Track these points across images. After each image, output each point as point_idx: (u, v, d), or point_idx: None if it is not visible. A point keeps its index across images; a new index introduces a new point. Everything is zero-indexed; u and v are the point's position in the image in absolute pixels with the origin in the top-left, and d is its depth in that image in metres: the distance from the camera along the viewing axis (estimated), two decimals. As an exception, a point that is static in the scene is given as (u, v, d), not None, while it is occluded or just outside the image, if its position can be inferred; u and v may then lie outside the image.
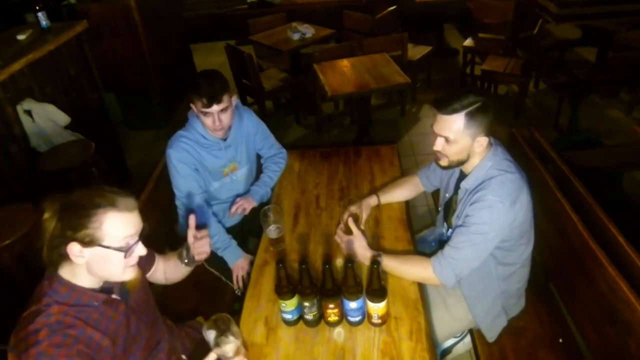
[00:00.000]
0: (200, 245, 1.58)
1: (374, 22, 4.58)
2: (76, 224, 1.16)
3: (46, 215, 1.17)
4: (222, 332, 1.38)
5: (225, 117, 1.95)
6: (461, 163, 1.61)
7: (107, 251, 1.19)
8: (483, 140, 1.53)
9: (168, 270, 1.65)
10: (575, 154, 2.73)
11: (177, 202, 2.09)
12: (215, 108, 1.89)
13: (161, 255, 1.68)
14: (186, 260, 1.60)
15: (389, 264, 1.65)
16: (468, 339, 2.07)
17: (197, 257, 1.61)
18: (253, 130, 2.23)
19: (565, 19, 4.37)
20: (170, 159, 1.99)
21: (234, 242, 2.12)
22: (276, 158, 2.36)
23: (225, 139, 2.09)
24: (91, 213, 1.16)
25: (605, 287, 1.51)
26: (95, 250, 1.18)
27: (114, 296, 1.30)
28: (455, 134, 1.51)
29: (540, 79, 4.87)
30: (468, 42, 4.84)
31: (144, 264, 1.53)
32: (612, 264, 1.49)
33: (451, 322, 1.80)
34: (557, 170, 1.99)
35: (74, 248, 1.17)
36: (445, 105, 1.50)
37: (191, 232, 1.57)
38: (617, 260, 1.51)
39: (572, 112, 3.87)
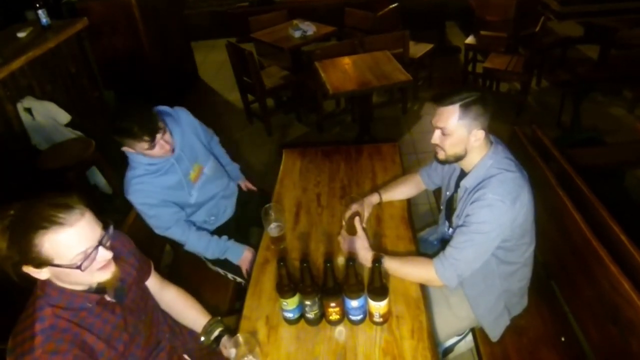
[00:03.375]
0: None
1: (375, 19, 4.57)
2: (20, 248, 1.09)
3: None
4: (244, 352, 1.39)
5: (168, 137, 1.87)
6: (458, 158, 1.60)
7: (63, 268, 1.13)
8: (479, 134, 1.53)
9: (176, 307, 1.62)
10: (578, 152, 2.71)
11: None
12: (158, 138, 1.80)
13: (188, 295, 1.66)
14: (206, 343, 1.58)
15: (391, 265, 1.64)
16: (470, 337, 2.06)
17: None
18: (194, 123, 2.17)
19: (567, 16, 4.36)
20: (133, 203, 1.91)
21: (229, 243, 2.12)
22: (215, 139, 2.38)
23: (173, 150, 1.95)
24: (30, 237, 1.08)
25: (608, 286, 1.50)
26: (50, 268, 1.13)
27: (108, 298, 1.28)
28: (451, 125, 1.53)
29: (542, 76, 4.85)
30: (470, 39, 4.83)
31: (138, 271, 1.47)
32: (614, 263, 1.48)
33: (454, 321, 1.79)
34: (559, 168, 1.99)
35: (29, 269, 1.13)
36: (442, 97, 1.53)
37: None
38: (620, 258, 1.51)
39: (574, 110, 3.86)
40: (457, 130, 1.53)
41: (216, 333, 1.58)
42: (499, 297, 1.72)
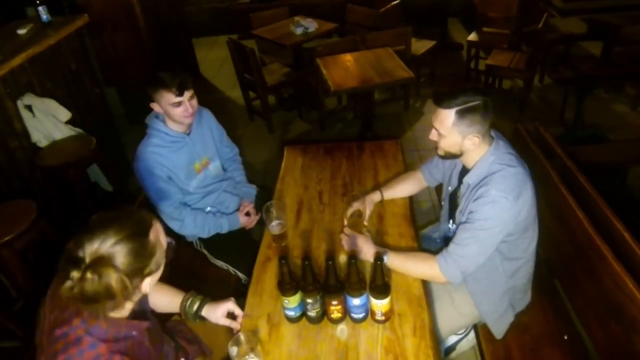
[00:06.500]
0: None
1: (377, 16, 4.55)
2: (143, 262, 1.11)
3: (112, 278, 1.04)
4: (245, 351, 1.39)
5: (195, 102, 1.99)
6: (455, 156, 1.62)
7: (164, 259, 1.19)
8: (475, 140, 1.53)
9: (154, 297, 1.57)
10: (581, 149, 2.70)
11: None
12: (187, 95, 1.92)
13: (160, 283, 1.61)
14: (190, 319, 1.59)
15: (395, 261, 1.64)
16: (472, 335, 2.06)
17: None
18: (214, 125, 2.30)
19: (570, 13, 4.34)
20: (140, 171, 1.96)
21: (223, 218, 2.20)
22: (236, 157, 2.47)
23: (188, 134, 2.10)
24: (148, 241, 1.11)
25: (611, 284, 1.49)
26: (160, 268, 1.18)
27: (147, 324, 1.24)
28: (445, 129, 1.53)
29: (545, 73, 4.83)
30: (472, 36, 4.81)
31: None
32: (617, 260, 1.48)
33: (457, 317, 1.79)
34: (562, 165, 1.97)
35: (146, 282, 1.14)
36: (441, 99, 1.53)
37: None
38: (623, 256, 1.50)
39: (577, 107, 3.84)
40: (451, 134, 1.54)
41: (196, 306, 1.56)
42: (503, 294, 1.72)
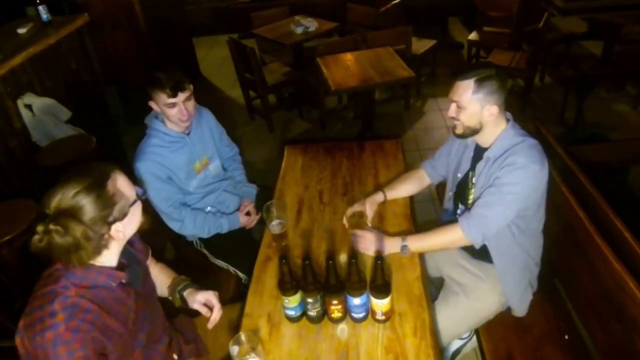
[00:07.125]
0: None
1: (377, 15, 4.54)
2: (105, 211, 1.15)
3: (74, 229, 1.10)
4: (246, 350, 1.39)
5: (190, 105, 1.96)
6: (475, 131, 1.67)
7: (133, 207, 1.24)
8: (493, 109, 1.60)
9: (154, 275, 1.62)
10: (581, 149, 2.70)
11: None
12: (181, 97, 1.90)
13: (163, 266, 1.69)
14: (176, 304, 1.62)
15: (416, 242, 1.71)
16: (475, 338, 2.06)
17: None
18: (214, 124, 2.29)
19: (571, 12, 4.33)
20: (140, 172, 1.95)
21: (223, 218, 2.20)
22: (236, 156, 2.46)
23: (188, 134, 2.09)
24: (106, 191, 1.16)
25: (612, 283, 1.49)
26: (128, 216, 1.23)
27: (124, 281, 1.28)
28: (465, 100, 1.61)
29: (546, 72, 4.82)
30: (473, 35, 4.81)
31: (141, 253, 1.51)
32: (618, 260, 1.47)
33: (483, 308, 1.81)
34: (562, 164, 1.97)
35: (115, 228, 1.19)
36: (461, 73, 1.62)
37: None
38: (624, 256, 1.49)
39: (577, 106, 3.84)
40: (471, 104, 1.61)
41: (181, 286, 1.60)
42: (523, 269, 1.77)
